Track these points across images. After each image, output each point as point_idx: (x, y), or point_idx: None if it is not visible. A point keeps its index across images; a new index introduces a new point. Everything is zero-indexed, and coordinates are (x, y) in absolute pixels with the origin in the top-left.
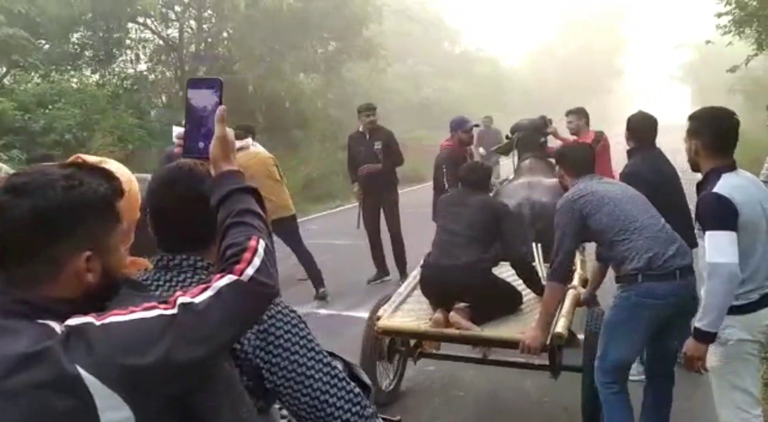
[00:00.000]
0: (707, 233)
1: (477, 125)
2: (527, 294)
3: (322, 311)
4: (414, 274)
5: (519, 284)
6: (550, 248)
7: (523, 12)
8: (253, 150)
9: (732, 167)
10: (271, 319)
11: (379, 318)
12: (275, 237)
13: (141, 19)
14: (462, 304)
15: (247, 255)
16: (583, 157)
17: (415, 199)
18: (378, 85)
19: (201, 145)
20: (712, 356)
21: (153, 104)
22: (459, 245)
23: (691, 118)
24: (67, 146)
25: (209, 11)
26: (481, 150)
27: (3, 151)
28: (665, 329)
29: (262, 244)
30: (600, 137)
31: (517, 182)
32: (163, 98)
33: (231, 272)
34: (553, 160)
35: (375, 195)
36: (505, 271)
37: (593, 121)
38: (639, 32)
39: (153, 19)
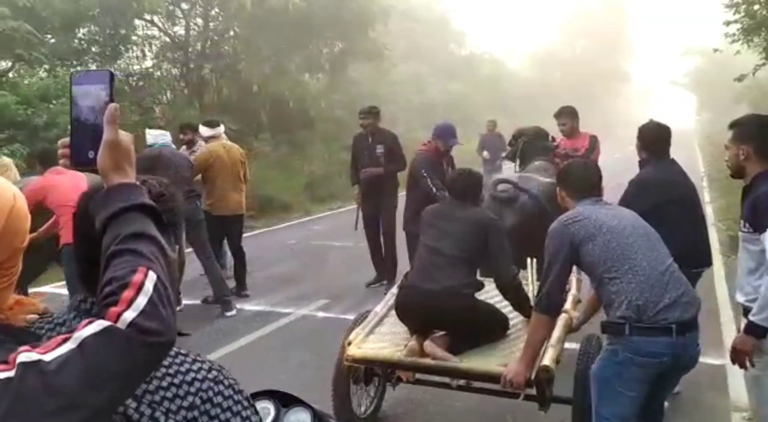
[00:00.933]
0: None
1: (452, 143)
2: (514, 318)
3: (320, 314)
4: (393, 291)
5: (506, 306)
6: (526, 256)
7: (527, 13)
8: (227, 142)
9: None
10: (164, 380)
11: (350, 343)
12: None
13: (148, 16)
14: (440, 332)
15: (127, 293)
16: (589, 177)
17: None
18: (382, 85)
19: (91, 153)
20: (756, 365)
21: (157, 101)
22: (441, 267)
23: (738, 124)
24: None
25: (216, 9)
26: (485, 154)
27: (5, 144)
28: (658, 383)
29: (151, 278)
30: (595, 144)
31: (511, 175)
32: (168, 95)
33: (104, 316)
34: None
35: (375, 198)
36: (491, 292)
37: (599, 125)
38: (646, 36)
39: (160, 16)
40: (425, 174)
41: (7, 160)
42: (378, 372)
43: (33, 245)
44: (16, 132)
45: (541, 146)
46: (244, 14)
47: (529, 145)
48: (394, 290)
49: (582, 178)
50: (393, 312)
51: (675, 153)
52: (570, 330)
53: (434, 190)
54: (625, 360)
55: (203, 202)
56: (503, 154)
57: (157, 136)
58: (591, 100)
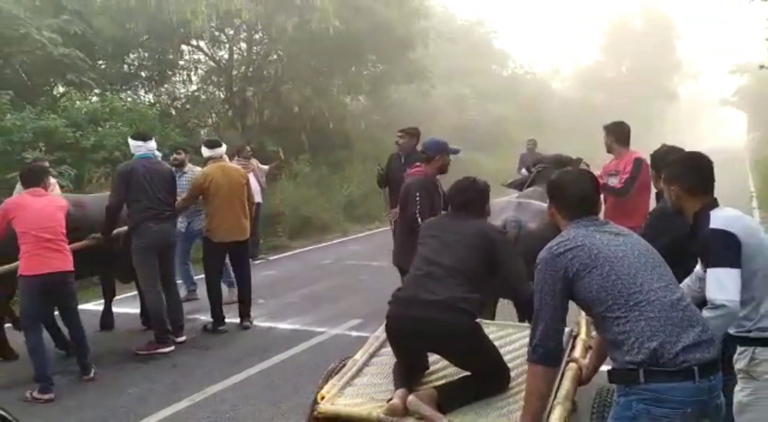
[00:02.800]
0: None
1: (457, 151)
2: (515, 368)
3: (353, 333)
4: (376, 334)
5: (508, 357)
6: None
7: (571, 33)
8: (227, 163)
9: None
10: None
11: (323, 398)
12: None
13: (194, 42)
14: (427, 389)
15: None
16: (584, 192)
17: None
18: (422, 106)
19: None
20: (743, 391)
21: (203, 123)
22: (439, 278)
23: (664, 164)
24: (116, 162)
25: (259, 34)
26: (524, 172)
27: (54, 166)
28: None
29: None
30: (639, 168)
31: (506, 199)
32: (213, 117)
33: None
34: None
35: None
36: (497, 341)
37: (646, 146)
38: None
39: (205, 41)
40: (418, 198)
41: (53, 180)
42: None
43: None
44: (65, 154)
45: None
46: (285, 38)
47: (544, 172)
48: (378, 333)
49: (576, 192)
50: (375, 359)
51: (725, 172)
52: (580, 382)
53: (419, 218)
54: (640, 413)
55: (204, 227)
56: (509, 181)
57: (136, 147)
58: (637, 120)
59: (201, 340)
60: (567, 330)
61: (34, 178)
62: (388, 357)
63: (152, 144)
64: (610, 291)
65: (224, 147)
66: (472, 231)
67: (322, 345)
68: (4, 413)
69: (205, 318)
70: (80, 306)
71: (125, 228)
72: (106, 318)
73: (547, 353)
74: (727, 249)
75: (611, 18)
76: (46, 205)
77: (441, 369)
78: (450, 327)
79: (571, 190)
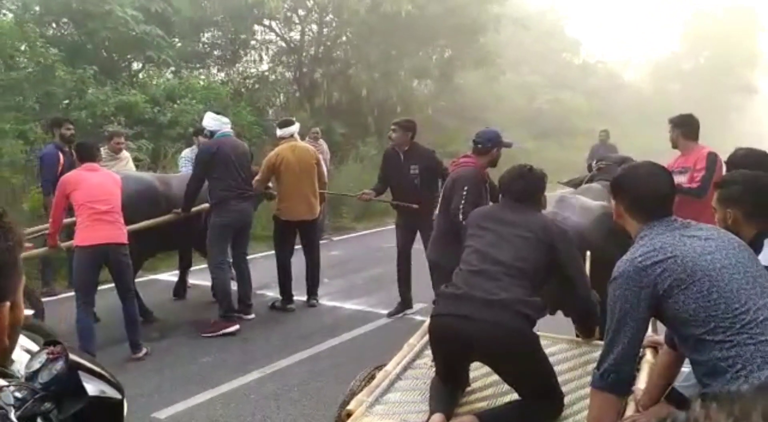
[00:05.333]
0: None
1: (509, 144)
2: (569, 395)
3: (417, 317)
4: (411, 342)
5: (562, 377)
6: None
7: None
8: (299, 143)
9: None
10: None
11: (349, 415)
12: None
13: (266, 22)
14: (467, 416)
15: None
16: (657, 186)
17: None
18: (490, 93)
19: None
20: None
21: (271, 103)
22: (496, 276)
23: (723, 185)
24: (189, 139)
25: (330, 15)
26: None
27: (134, 140)
28: None
29: None
30: (714, 163)
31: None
32: (282, 97)
33: None
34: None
35: (411, 219)
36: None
37: (723, 141)
38: None
39: (278, 21)
40: (465, 193)
41: (126, 154)
42: None
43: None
44: (143, 129)
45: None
46: (356, 20)
47: (605, 169)
48: (413, 341)
49: (652, 190)
50: (409, 372)
51: None
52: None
53: (461, 215)
54: None
55: (276, 205)
56: (565, 180)
57: (214, 124)
58: (715, 113)
59: (270, 316)
60: (598, 343)
61: (88, 154)
62: (423, 371)
63: (227, 120)
64: (712, 312)
65: (296, 126)
66: (533, 226)
67: (386, 326)
68: (99, 369)
69: (273, 294)
70: (154, 276)
71: (206, 205)
72: (180, 287)
73: (620, 380)
74: None
75: (695, 6)
76: (102, 178)
77: (482, 388)
78: (506, 331)
79: (646, 187)
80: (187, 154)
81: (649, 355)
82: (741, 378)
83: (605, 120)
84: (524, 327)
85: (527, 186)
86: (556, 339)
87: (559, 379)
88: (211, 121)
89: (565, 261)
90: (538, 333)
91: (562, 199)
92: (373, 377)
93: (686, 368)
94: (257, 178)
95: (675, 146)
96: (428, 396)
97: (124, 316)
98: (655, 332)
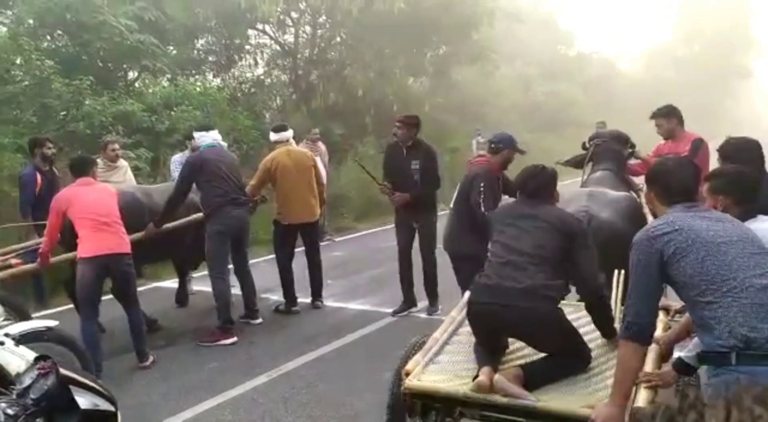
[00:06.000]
0: None
1: (523, 152)
2: (595, 349)
3: (422, 316)
4: (452, 315)
5: (588, 336)
6: (607, 280)
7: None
8: (293, 147)
9: None
10: None
11: (408, 374)
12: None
13: (260, 26)
14: (512, 368)
15: None
16: (684, 178)
17: None
18: (486, 87)
19: None
20: None
21: (267, 107)
22: (522, 266)
23: (713, 177)
24: (183, 144)
25: (324, 17)
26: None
27: (132, 149)
28: None
29: None
30: (699, 146)
31: (577, 190)
32: (278, 101)
33: None
34: (634, 179)
35: (409, 215)
36: (576, 321)
37: (718, 126)
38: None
39: (271, 25)
40: (482, 188)
41: (124, 163)
42: (435, 406)
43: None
44: (142, 137)
45: (612, 150)
46: (350, 20)
47: (600, 148)
48: (454, 314)
49: (677, 178)
50: (454, 338)
51: None
52: (663, 360)
53: (483, 209)
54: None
55: (276, 210)
56: (564, 159)
57: (201, 137)
58: (709, 100)
59: (274, 319)
60: None
61: (83, 168)
62: (466, 337)
63: (215, 134)
64: (704, 277)
65: (291, 131)
66: (551, 218)
67: (391, 326)
68: (91, 383)
69: (276, 298)
70: (157, 284)
71: (199, 214)
72: (181, 295)
73: (641, 330)
74: None
75: None
76: (99, 191)
77: (520, 348)
78: (534, 313)
79: (674, 177)
80: (178, 158)
81: (661, 315)
82: (725, 334)
83: (603, 110)
84: (549, 308)
85: (540, 183)
86: (579, 306)
87: (586, 339)
88: (194, 135)
89: (576, 249)
90: (565, 302)
91: (591, 195)
92: (423, 343)
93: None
94: (252, 182)
95: (669, 137)
96: (473, 357)
97: (130, 325)
98: (666, 297)
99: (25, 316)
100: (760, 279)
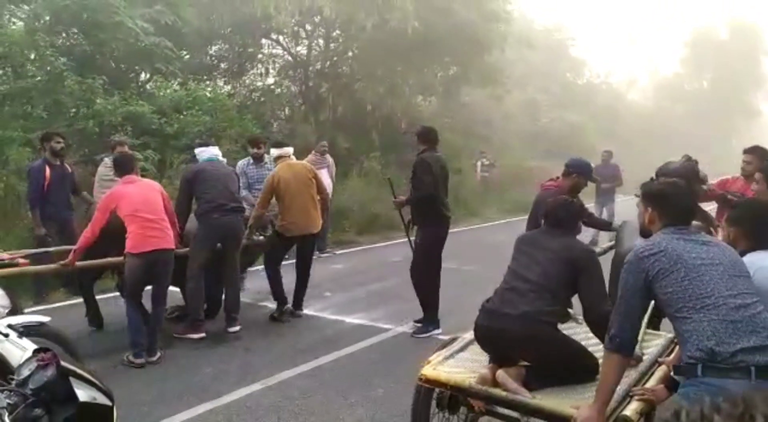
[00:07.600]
0: None
1: (596, 180)
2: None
3: (441, 337)
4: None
5: (595, 348)
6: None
7: (651, 44)
8: (294, 161)
9: None
10: None
11: (428, 363)
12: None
13: (274, 36)
14: (521, 363)
15: None
16: (685, 204)
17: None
18: (495, 111)
19: None
20: None
21: (276, 116)
22: (523, 293)
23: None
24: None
25: (338, 31)
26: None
27: (140, 150)
28: None
29: None
30: None
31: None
32: (287, 111)
33: None
34: (713, 217)
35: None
36: (582, 332)
37: (718, 163)
38: None
39: (285, 36)
40: None
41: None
42: (463, 402)
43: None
44: (150, 139)
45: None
46: (363, 36)
47: None
48: None
49: (680, 204)
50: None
51: None
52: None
53: None
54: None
55: (278, 222)
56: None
57: (200, 152)
58: (717, 135)
59: (271, 328)
60: (670, 336)
61: (125, 167)
62: None
63: (215, 149)
64: (682, 295)
65: (291, 148)
66: (560, 248)
67: (388, 341)
68: (89, 376)
69: (273, 306)
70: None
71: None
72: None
73: (623, 343)
74: None
75: (695, 27)
76: (143, 188)
77: None
78: (530, 337)
79: (675, 201)
80: (242, 164)
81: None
82: (695, 347)
83: (609, 139)
84: (546, 331)
85: (565, 214)
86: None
87: (591, 350)
88: (198, 150)
89: (583, 276)
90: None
91: (625, 224)
92: (454, 339)
93: None
94: (258, 200)
95: (749, 176)
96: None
97: (151, 319)
98: None
99: (16, 311)
100: (734, 299)
